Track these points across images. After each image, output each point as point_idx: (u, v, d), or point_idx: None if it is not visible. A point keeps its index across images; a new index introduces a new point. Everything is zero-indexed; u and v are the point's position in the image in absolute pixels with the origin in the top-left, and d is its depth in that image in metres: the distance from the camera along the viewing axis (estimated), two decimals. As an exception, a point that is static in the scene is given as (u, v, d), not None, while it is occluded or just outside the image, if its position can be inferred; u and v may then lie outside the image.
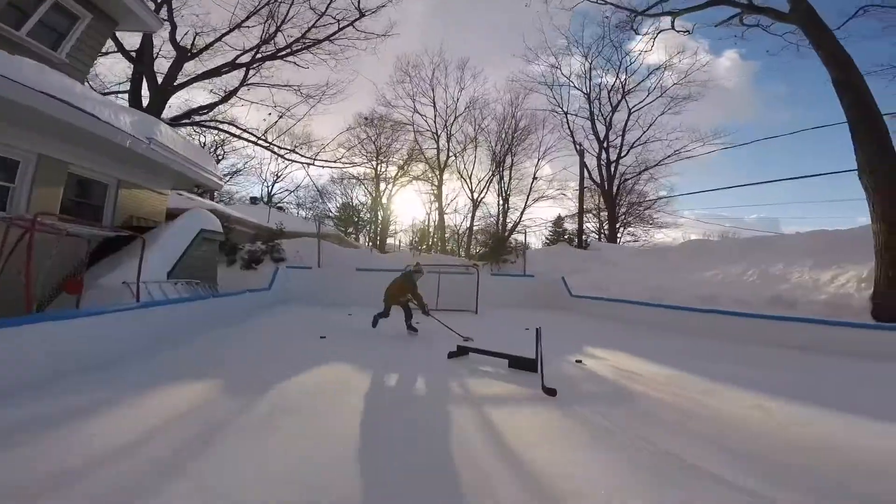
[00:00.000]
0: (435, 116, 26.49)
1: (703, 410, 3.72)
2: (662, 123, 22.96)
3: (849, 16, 9.82)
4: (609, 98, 23.50)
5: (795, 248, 9.11)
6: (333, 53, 14.02)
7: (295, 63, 14.16)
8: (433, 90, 26.29)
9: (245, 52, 13.98)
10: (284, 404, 3.46)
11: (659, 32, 14.55)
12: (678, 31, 12.67)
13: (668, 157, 22.89)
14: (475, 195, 27.33)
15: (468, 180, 27.22)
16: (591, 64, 23.60)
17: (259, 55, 13.92)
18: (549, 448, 2.77)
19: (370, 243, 29.61)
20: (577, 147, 23.04)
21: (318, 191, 31.58)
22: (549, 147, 25.66)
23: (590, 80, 23.97)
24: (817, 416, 3.44)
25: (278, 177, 32.99)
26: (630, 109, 23.18)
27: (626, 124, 23.34)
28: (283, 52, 13.89)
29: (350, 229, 30.08)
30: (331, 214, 31.92)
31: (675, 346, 7.11)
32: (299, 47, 13.80)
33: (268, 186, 33.44)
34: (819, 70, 8.57)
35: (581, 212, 22.30)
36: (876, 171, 7.11)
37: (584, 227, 23.36)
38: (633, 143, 23.44)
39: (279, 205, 31.16)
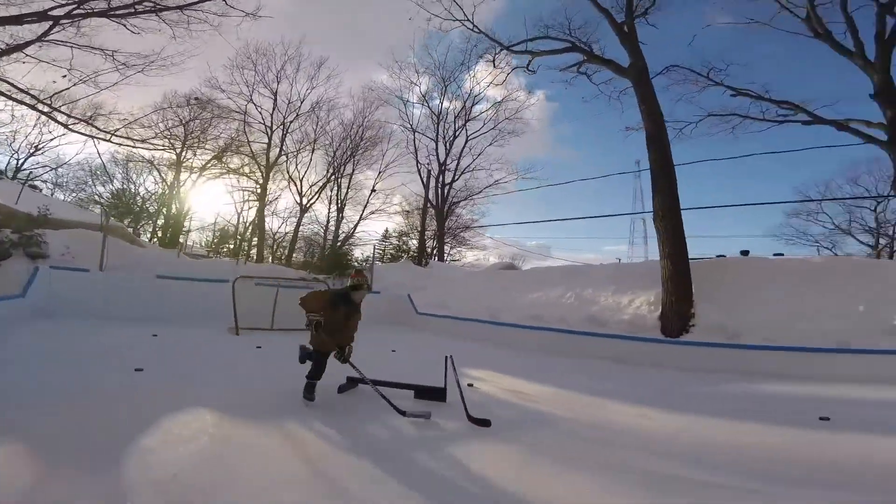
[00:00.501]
0: (273, 110, 24.00)
1: (610, 424, 3.95)
2: (488, 154, 25.67)
3: (656, 73, 12.53)
4: (455, 122, 25.18)
5: (601, 276, 11.06)
6: (180, 23, 10.89)
7: (125, 26, 10.53)
8: (278, 82, 23.92)
9: (63, 4, 9.87)
10: None
11: (513, 70, 16.21)
12: (528, 71, 14.33)
13: (489, 186, 25.74)
14: (304, 200, 25.39)
15: (298, 183, 25.18)
16: (445, 87, 25.00)
17: (82, 10, 9.95)
18: (536, 481, 2.52)
19: (154, 240, 24.36)
20: (425, 167, 23.95)
21: (106, 172, 24.70)
22: (391, 161, 25.92)
23: (441, 102, 25.35)
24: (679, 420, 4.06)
25: (37, 149, 24.44)
26: (468, 136, 25.24)
27: (462, 150, 25.27)
28: (121, 11, 10.22)
29: (128, 221, 24.09)
30: (102, 200, 25.25)
31: (528, 362, 7.72)
32: (144, 9, 10.32)
33: (17, 158, 24.40)
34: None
35: (423, 230, 23.02)
36: (666, 217, 9.20)
37: (414, 245, 24.13)
38: (465, 169, 25.52)
39: (32, 182, 22.97)
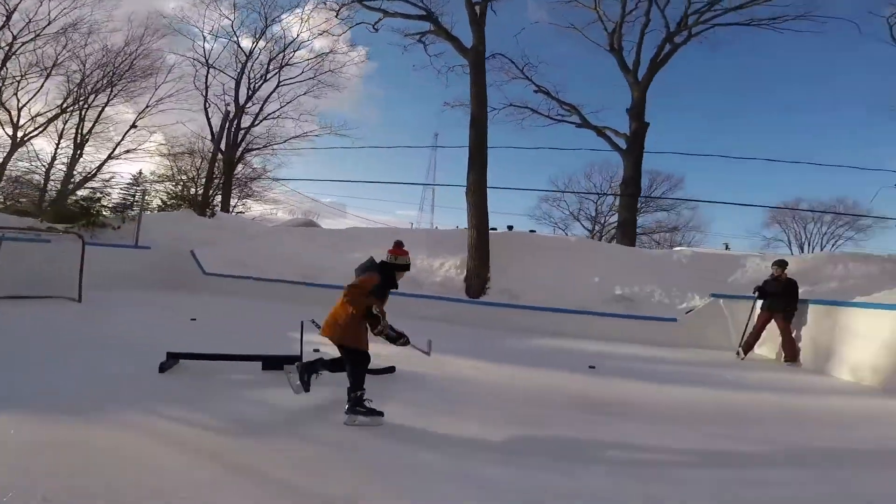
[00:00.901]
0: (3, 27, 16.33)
1: (461, 377, 4.78)
2: (299, 102, 23.13)
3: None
4: (268, 65, 21.52)
5: (416, 240, 11.68)
6: None
7: None
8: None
9: None
10: None
11: (357, 24, 14.85)
12: (373, 29, 13.57)
13: (296, 137, 23.45)
14: (20, 133, 18.41)
15: (13, 112, 18.04)
16: (267, 25, 20.89)
17: None
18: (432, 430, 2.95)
19: None
20: (219, 107, 19.91)
21: None
22: (165, 96, 20.74)
23: (257, 41, 21.17)
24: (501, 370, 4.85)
25: None
26: (280, 82, 22.05)
27: (269, 95, 22.01)
28: None
29: None
30: None
31: None
32: None
33: None
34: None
35: (211, 176, 19.40)
36: (476, 192, 10.29)
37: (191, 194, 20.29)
38: (269, 115, 22.43)
39: None
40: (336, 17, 14.37)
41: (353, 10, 14.45)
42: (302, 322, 4.14)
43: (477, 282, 9.72)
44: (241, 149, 21.91)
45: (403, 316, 8.86)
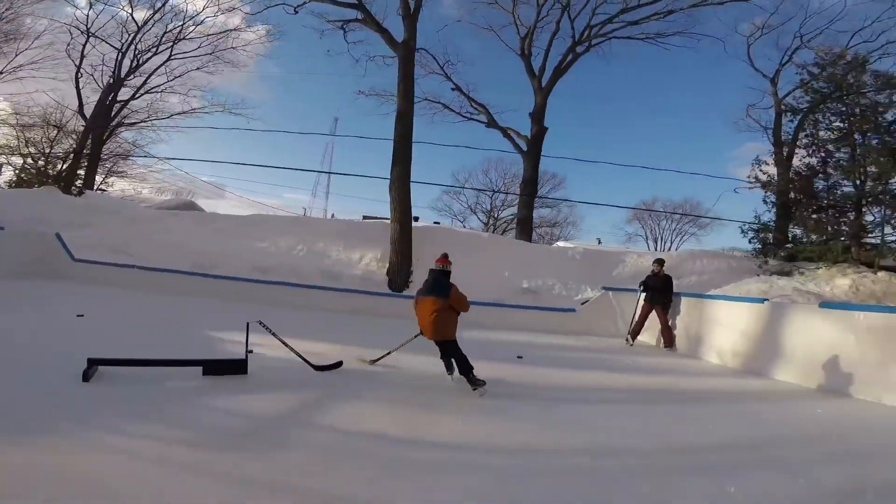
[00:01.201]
0: None
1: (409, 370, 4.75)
2: (190, 77, 20.15)
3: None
4: (161, 37, 18.21)
5: (332, 231, 11.26)
6: None
7: None
8: None
9: None
10: None
11: (274, 5, 13.43)
12: (292, 11, 12.46)
13: (183, 113, 20.46)
14: None
15: None
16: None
17: None
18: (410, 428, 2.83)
19: None
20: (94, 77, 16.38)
21: None
22: (26, 63, 16.68)
23: (155, 12, 17.64)
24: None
25: None
26: (171, 55, 18.83)
27: (157, 69, 18.76)
28: None
29: None
30: None
31: (277, 317, 7.16)
32: None
33: None
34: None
35: (80, 151, 16.03)
36: (400, 186, 10.26)
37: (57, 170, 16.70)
38: (152, 89, 19.15)
39: None
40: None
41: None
42: (248, 323, 3.83)
43: (400, 276, 9.77)
44: (114, 122, 18.67)
45: (322, 309, 8.71)
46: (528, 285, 10.30)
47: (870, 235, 10.06)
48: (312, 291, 9.20)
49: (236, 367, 3.69)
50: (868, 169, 10.08)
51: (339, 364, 4.37)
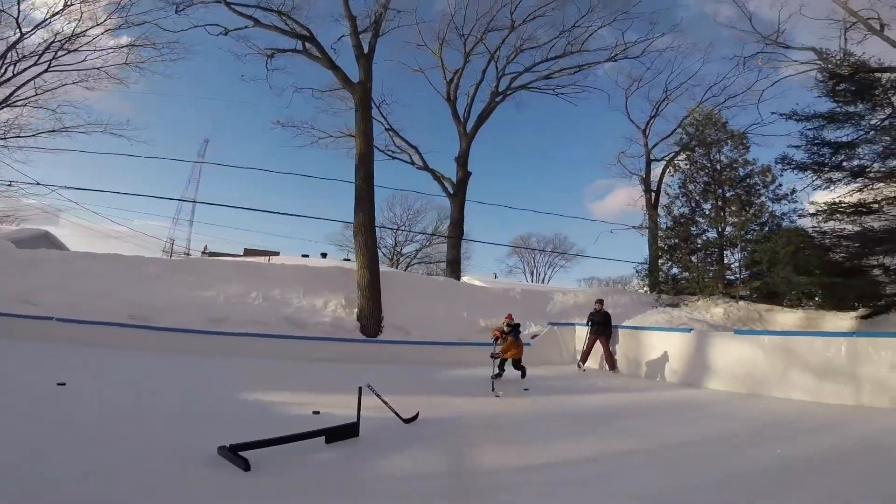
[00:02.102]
0: None
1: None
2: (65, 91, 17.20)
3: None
4: (46, 48, 15.15)
5: (288, 277, 10.77)
6: None
7: None
8: None
9: None
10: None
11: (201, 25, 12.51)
12: (223, 32, 11.88)
13: (53, 131, 17.32)
14: None
15: None
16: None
17: None
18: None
19: None
20: None
21: None
22: None
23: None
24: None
25: None
26: (50, 67, 15.82)
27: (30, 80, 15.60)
28: None
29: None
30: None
31: (250, 369, 6.81)
32: None
33: None
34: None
35: None
36: (366, 233, 10.43)
37: None
38: (12, 101, 15.90)
39: None
40: (176, 12, 12.07)
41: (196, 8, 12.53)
42: (360, 388, 3.93)
43: (372, 321, 9.83)
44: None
45: (291, 358, 8.34)
46: (486, 324, 11.17)
47: (729, 273, 13.29)
48: (286, 341, 8.77)
49: (352, 430, 3.75)
50: (728, 218, 13.45)
51: (417, 415, 4.54)
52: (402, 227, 36.25)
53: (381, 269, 12.14)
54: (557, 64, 17.85)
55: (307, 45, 12.08)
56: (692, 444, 4.13)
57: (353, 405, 4.02)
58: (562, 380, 8.46)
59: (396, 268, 36.38)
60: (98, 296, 8.99)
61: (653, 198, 18.68)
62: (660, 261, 15.13)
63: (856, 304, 10.18)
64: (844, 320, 9.77)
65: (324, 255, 36.75)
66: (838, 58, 12.30)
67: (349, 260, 29.78)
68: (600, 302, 10.05)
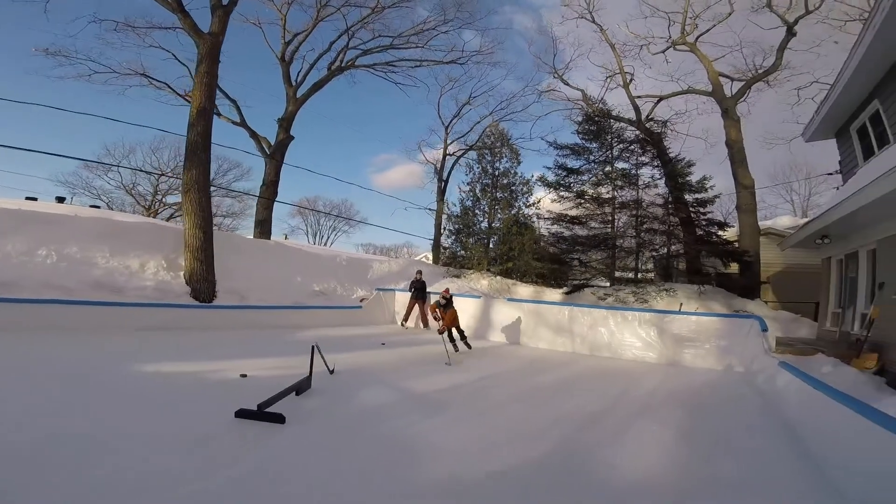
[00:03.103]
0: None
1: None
2: None
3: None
4: None
5: (85, 232, 8.69)
6: None
7: None
8: None
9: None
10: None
11: None
12: None
13: None
14: None
15: None
16: None
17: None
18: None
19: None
20: None
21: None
22: None
23: None
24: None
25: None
26: None
27: None
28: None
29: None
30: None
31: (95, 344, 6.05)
32: None
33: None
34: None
35: None
36: (199, 189, 9.49)
37: None
38: None
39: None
40: None
41: None
42: (313, 346, 4.84)
43: (206, 285, 9.32)
44: None
45: (114, 327, 7.42)
46: (319, 288, 12.01)
47: (492, 253, 17.86)
48: (101, 308, 7.60)
49: (308, 383, 4.64)
50: (497, 214, 17.87)
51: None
52: (220, 186, 30.95)
53: (219, 232, 11.12)
54: (400, 54, 18.97)
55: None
56: (489, 374, 6.64)
57: (239, 369, 4.89)
58: (397, 336, 10.32)
59: (156, 216, 30.85)
60: None
61: (444, 187, 22.49)
62: (442, 238, 18.84)
63: (563, 283, 15.89)
64: (557, 293, 15.18)
65: (61, 200, 27.31)
66: (596, 102, 17.86)
67: (98, 207, 23.79)
68: (419, 272, 12.41)
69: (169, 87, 16.40)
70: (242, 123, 16.64)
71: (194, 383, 4.63)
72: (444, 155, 22.92)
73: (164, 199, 34.44)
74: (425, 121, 34.44)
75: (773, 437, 3.81)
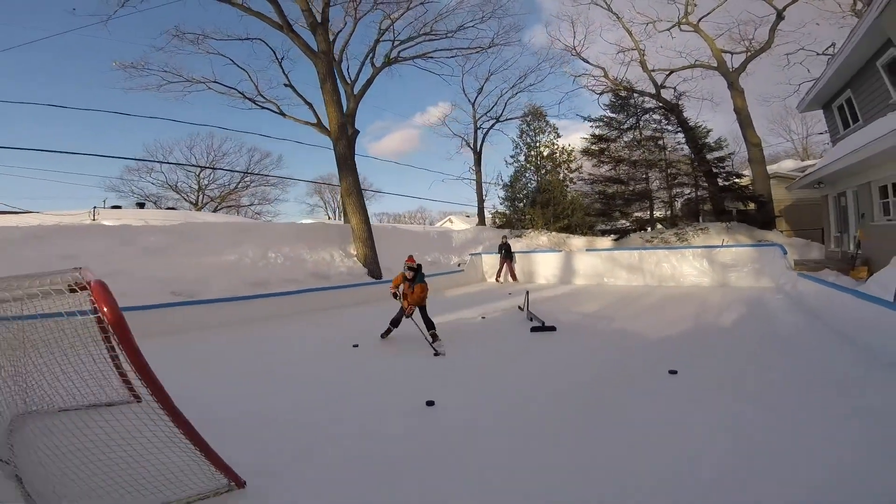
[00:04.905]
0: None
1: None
2: None
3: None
4: None
5: (286, 234, 11.81)
6: None
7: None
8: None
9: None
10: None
11: None
12: None
13: None
14: None
15: None
16: None
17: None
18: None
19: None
20: None
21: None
22: None
23: None
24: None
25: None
26: None
27: None
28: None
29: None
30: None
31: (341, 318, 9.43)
32: None
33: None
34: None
35: None
36: (353, 195, 12.51)
37: None
38: None
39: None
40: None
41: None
42: (527, 292, 8.21)
43: (375, 266, 12.59)
44: None
45: (331, 308, 10.68)
46: (430, 259, 15.34)
47: (548, 214, 21.16)
48: (338, 291, 10.82)
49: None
50: (544, 178, 21.05)
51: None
52: (249, 173, 33.49)
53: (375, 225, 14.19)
54: (433, 45, 21.00)
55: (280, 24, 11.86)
56: (593, 309, 10.22)
57: (457, 318, 8.35)
58: (492, 289, 13.86)
59: (202, 210, 33.58)
60: (109, 277, 8.68)
61: (479, 158, 25.42)
62: (493, 203, 22.06)
63: (609, 233, 19.41)
64: (607, 241, 18.65)
65: (141, 205, 29.70)
66: (621, 80, 20.58)
67: (143, 206, 26.65)
68: (505, 237, 15.74)
69: (238, 91, 18.48)
70: (319, 124, 19.04)
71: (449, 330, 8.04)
72: (476, 129, 25.61)
73: (205, 194, 36.79)
74: (422, 91, 36.86)
75: (801, 316, 7.14)
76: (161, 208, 32.15)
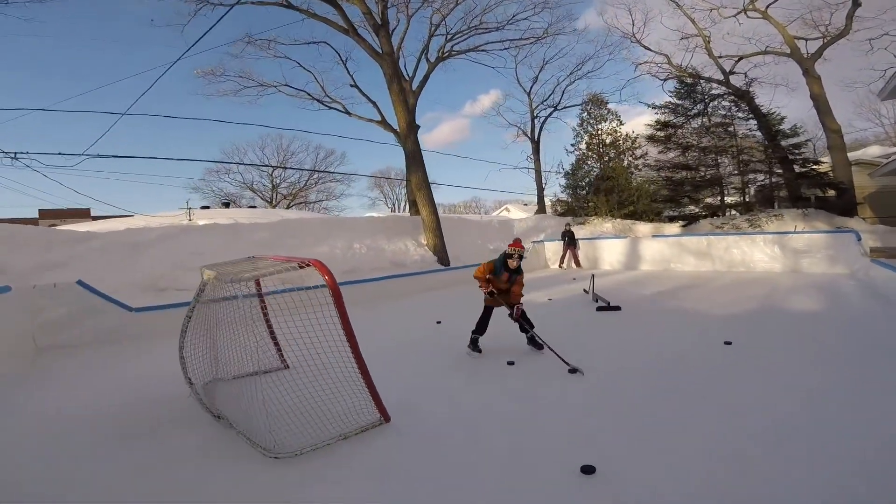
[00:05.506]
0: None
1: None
2: None
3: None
4: None
5: (366, 228, 13.34)
6: None
7: None
8: None
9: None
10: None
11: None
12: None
13: None
14: None
15: None
16: None
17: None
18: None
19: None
20: None
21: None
22: None
23: None
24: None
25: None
26: None
27: None
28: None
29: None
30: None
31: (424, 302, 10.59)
32: None
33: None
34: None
35: None
36: (422, 189, 13.72)
37: None
38: None
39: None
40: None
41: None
42: (592, 275, 8.90)
43: (444, 254, 13.78)
44: None
45: (426, 290, 11.93)
46: (493, 247, 16.28)
47: (608, 203, 21.27)
48: (415, 277, 12.11)
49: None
50: (608, 165, 21.11)
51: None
52: (317, 169, 36.54)
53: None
54: (484, 38, 21.69)
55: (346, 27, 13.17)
56: (663, 297, 10.54)
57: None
58: (564, 273, 14.47)
59: (275, 207, 36.64)
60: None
61: (537, 147, 25.78)
62: (553, 191, 22.42)
63: (677, 219, 19.18)
64: (675, 227, 18.50)
65: (226, 205, 33.63)
66: (681, 65, 20.19)
67: (228, 206, 29.63)
68: (568, 225, 16.25)
69: (306, 92, 20.19)
70: (383, 122, 20.38)
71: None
72: (532, 117, 25.94)
73: (278, 192, 40.17)
74: (474, 81, 37.57)
75: (869, 300, 7.29)
76: (240, 206, 35.65)
